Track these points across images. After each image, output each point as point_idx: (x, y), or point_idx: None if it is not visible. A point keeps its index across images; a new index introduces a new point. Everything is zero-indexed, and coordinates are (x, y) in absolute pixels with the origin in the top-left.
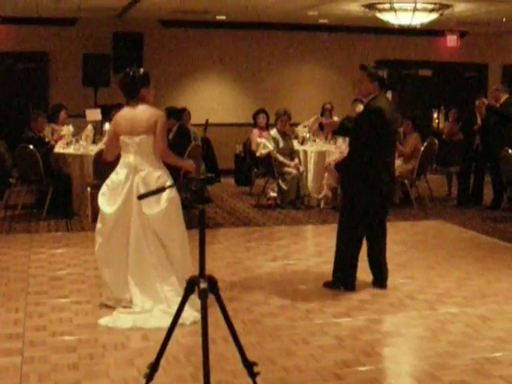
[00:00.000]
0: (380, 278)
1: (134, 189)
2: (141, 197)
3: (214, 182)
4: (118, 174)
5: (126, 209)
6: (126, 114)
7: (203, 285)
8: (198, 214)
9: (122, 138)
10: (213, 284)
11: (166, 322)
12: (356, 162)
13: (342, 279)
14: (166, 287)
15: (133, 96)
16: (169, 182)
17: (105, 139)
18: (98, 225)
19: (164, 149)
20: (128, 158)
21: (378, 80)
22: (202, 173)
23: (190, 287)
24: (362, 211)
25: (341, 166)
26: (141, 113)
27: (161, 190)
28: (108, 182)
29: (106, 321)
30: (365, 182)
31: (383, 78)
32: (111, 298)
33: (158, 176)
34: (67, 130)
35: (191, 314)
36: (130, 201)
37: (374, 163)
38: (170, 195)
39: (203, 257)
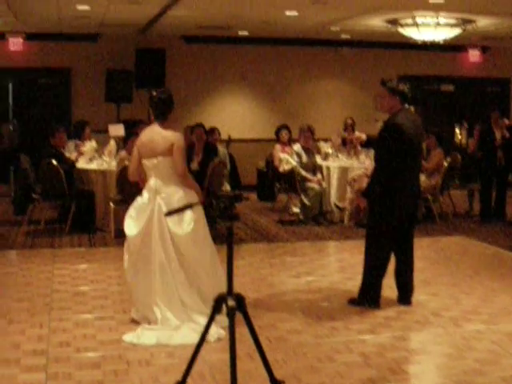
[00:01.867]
0: (405, 295)
1: (155, 211)
2: (169, 213)
3: (242, 199)
4: (143, 197)
5: (147, 231)
6: (145, 136)
7: (231, 303)
8: (227, 232)
9: (143, 161)
10: (240, 302)
11: (191, 338)
12: (381, 176)
13: (368, 296)
14: (189, 306)
15: (164, 117)
16: (193, 201)
17: (121, 155)
18: (126, 244)
19: (183, 171)
20: (150, 181)
21: (400, 95)
22: (230, 191)
23: (218, 305)
24: (388, 230)
25: (366, 190)
26: (158, 135)
27: (188, 206)
28: (135, 204)
29: (130, 337)
30: (390, 199)
31: (405, 93)
32: (139, 311)
33: (178, 198)
34: (90, 145)
35: (216, 331)
36: (152, 223)
37: (398, 179)
38: (195, 216)
39: (231, 275)
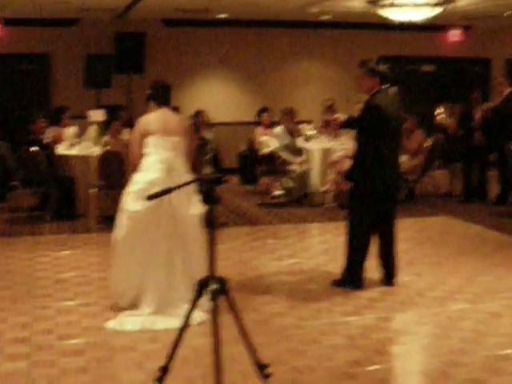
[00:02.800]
0: (389, 276)
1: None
2: (151, 197)
3: (223, 182)
4: (152, 172)
5: (156, 206)
6: (159, 116)
7: (214, 286)
8: (207, 215)
9: (155, 136)
10: (223, 285)
11: (174, 323)
12: (361, 157)
13: (351, 277)
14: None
15: (167, 104)
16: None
17: (105, 140)
18: (124, 221)
19: (192, 155)
20: (163, 155)
21: (379, 75)
22: (211, 173)
23: (201, 288)
24: (370, 210)
25: (349, 172)
26: (175, 118)
27: (169, 190)
28: (136, 182)
29: (113, 324)
30: (371, 180)
31: (384, 73)
32: (123, 298)
33: (187, 178)
34: (69, 131)
35: (198, 314)
36: (166, 203)
37: (379, 160)
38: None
39: (213, 258)
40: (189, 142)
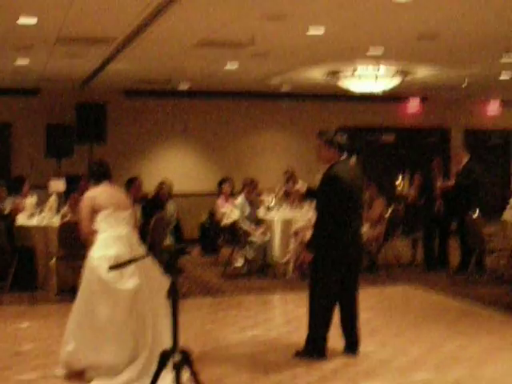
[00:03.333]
0: (352, 345)
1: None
2: (112, 267)
3: (186, 253)
4: (112, 248)
5: (139, 284)
6: (108, 190)
7: (177, 358)
8: (170, 286)
9: (107, 211)
10: (187, 357)
11: None
12: (321, 227)
13: (314, 348)
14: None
15: (106, 178)
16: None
17: (63, 211)
18: (109, 306)
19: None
20: (120, 231)
21: (336, 146)
22: (173, 244)
23: (164, 361)
24: (332, 280)
25: (310, 242)
26: (118, 191)
27: (134, 260)
28: (96, 261)
29: None
30: (333, 250)
31: (341, 144)
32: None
33: (143, 250)
34: (29, 201)
35: None
36: (141, 275)
37: (340, 230)
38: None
39: (176, 330)
40: (134, 212)
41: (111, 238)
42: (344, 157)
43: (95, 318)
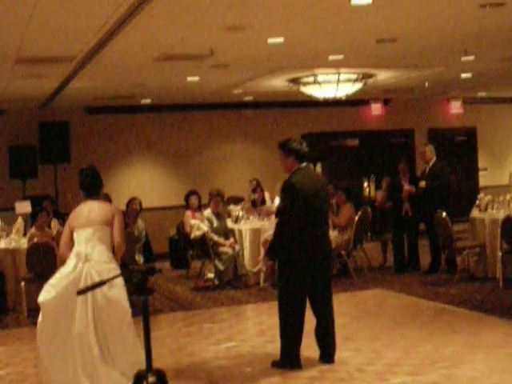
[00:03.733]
0: (327, 353)
1: (82, 278)
2: (80, 292)
3: (156, 272)
4: (68, 266)
5: (67, 296)
6: (83, 209)
7: (152, 379)
8: (142, 306)
9: (75, 231)
10: (161, 377)
11: None
12: (279, 235)
13: (288, 358)
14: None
15: (95, 194)
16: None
17: (31, 232)
18: (41, 319)
19: (121, 243)
20: (79, 248)
21: (294, 154)
22: (142, 264)
23: (139, 382)
24: (297, 288)
25: (270, 250)
26: (98, 207)
27: (101, 283)
28: (57, 274)
29: None
30: (294, 257)
31: (299, 151)
32: None
33: (110, 268)
34: None
35: None
36: (74, 291)
37: (300, 237)
38: (122, 284)
39: (150, 350)
40: (116, 230)
41: (71, 255)
42: (304, 164)
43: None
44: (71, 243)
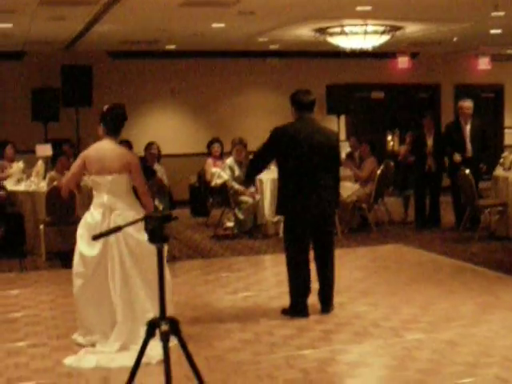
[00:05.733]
0: (322, 303)
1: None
2: (96, 237)
3: (172, 220)
4: (93, 215)
5: (105, 250)
6: (97, 152)
7: (165, 327)
8: (157, 253)
9: (92, 177)
10: (175, 325)
11: (131, 361)
12: (279, 189)
13: (294, 305)
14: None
15: (117, 133)
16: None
17: (50, 175)
18: (79, 268)
19: (143, 188)
20: (101, 198)
21: (295, 104)
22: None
23: (152, 329)
24: (293, 237)
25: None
26: (112, 151)
27: (116, 229)
28: (83, 223)
29: (71, 360)
30: (286, 208)
31: (300, 102)
32: (87, 336)
33: (133, 215)
34: (17, 166)
35: (158, 352)
36: (109, 242)
37: (289, 185)
38: None
39: (163, 298)
40: (138, 180)
41: (96, 204)
42: (306, 115)
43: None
44: (79, 178)
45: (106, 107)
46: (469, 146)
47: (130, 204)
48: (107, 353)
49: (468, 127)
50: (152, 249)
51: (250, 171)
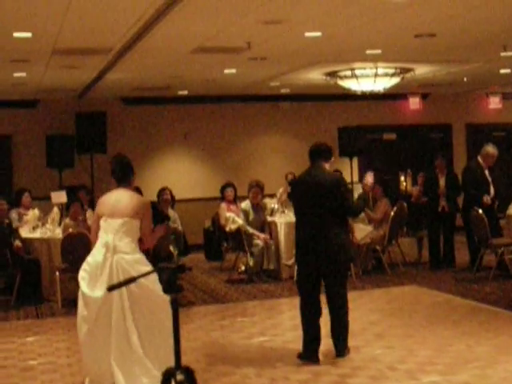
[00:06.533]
0: (336, 347)
1: (114, 269)
2: (111, 288)
3: (186, 270)
4: (95, 256)
5: (108, 296)
6: (111, 197)
7: (180, 377)
8: (171, 304)
9: (103, 219)
10: (190, 375)
11: None
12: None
13: (304, 349)
14: (145, 380)
15: (126, 182)
16: (147, 268)
17: (65, 222)
18: (83, 312)
19: (150, 235)
20: (106, 238)
21: (309, 154)
22: (173, 261)
23: (167, 379)
24: (300, 282)
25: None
26: (127, 197)
27: (132, 280)
28: (85, 266)
29: None
30: (296, 250)
31: (310, 151)
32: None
33: (137, 259)
34: (33, 214)
35: None
36: (109, 283)
37: (299, 232)
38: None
39: (178, 347)
40: (147, 226)
41: (99, 245)
42: (316, 163)
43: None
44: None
45: (113, 159)
46: (492, 189)
47: (134, 248)
48: None
49: (486, 171)
50: (153, 295)
51: None
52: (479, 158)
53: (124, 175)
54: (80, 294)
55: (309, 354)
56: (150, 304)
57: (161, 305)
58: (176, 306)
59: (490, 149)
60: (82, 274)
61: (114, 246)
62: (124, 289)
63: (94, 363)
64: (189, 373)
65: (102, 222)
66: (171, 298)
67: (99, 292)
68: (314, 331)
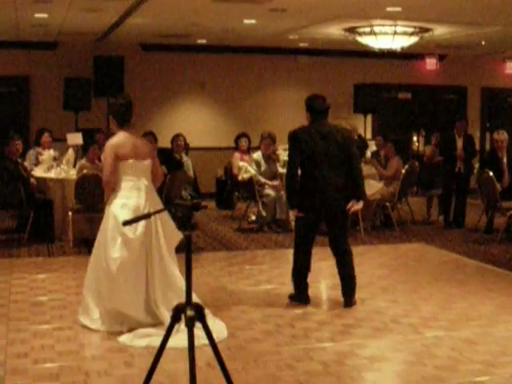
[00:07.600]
0: (344, 297)
1: (152, 209)
2: (127, 223)
3: (201, 208)
4: (131, 199)
5: (147, 232)
6: (129, 139)
7: (190, 313)
8: (185, 241)
9: (129, 161)
10: (200, 311)
11: (183, 342)
12: (287, 183)
13: (297, 294)
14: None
15: (129, 121)
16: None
17: (80, 164)
18: (123, 252)
19: (161, 175)
20: (140, 182)
21: (310, 110)
22: (188, 199)
23: (177, 315)
24: (300, 228)
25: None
26: (139, 140)
27: (147, 215)
28: (124, 210)
29: (124, 338)
30: (299, 200)
31: (314, 109)
32: (124, 322)
33: (157, 199)
34: (48, 154)
35: (174, 339)
36: (151, 223)
37: (301, 184)
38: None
39: (190, 284)
40: (157, 162)
41: (132, 188)
42: (322, 120)
43: (108, 267)
44: (116, 171)
45: (112, 100)
46: (507, 175)
47: (153, 189)
48: (158, 334)
49: (505, 159)
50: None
51: (292, 186)
52: (495, 148)
53: (124, 117)
54: (116, 238)
55: (300, 295)
56: (169, 239)
57: (176, 239)
58: (190, 243)
59: (497, 135)
60: (123, 217)
61: (147, 186)
62: (158, 228)
63: (132, 309)
64: (199, 309)
65: (126, 165)
66: (186, 234)
67: (137, 232)
68: (304, 275)
